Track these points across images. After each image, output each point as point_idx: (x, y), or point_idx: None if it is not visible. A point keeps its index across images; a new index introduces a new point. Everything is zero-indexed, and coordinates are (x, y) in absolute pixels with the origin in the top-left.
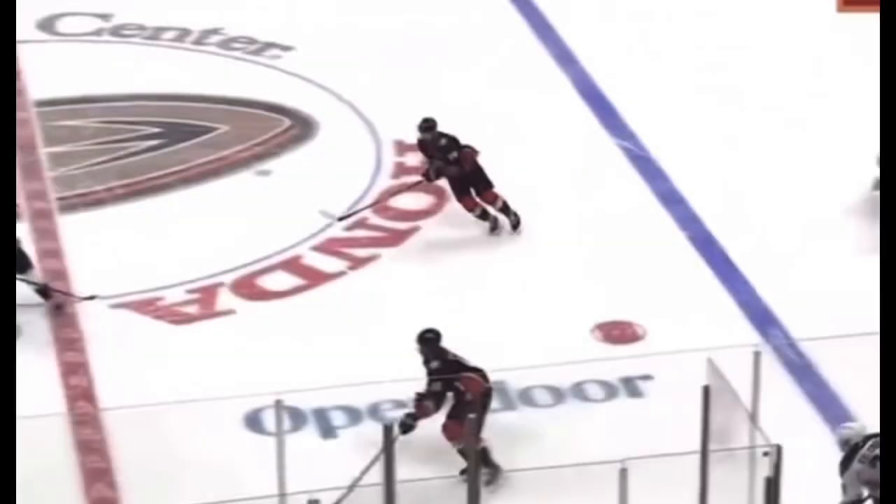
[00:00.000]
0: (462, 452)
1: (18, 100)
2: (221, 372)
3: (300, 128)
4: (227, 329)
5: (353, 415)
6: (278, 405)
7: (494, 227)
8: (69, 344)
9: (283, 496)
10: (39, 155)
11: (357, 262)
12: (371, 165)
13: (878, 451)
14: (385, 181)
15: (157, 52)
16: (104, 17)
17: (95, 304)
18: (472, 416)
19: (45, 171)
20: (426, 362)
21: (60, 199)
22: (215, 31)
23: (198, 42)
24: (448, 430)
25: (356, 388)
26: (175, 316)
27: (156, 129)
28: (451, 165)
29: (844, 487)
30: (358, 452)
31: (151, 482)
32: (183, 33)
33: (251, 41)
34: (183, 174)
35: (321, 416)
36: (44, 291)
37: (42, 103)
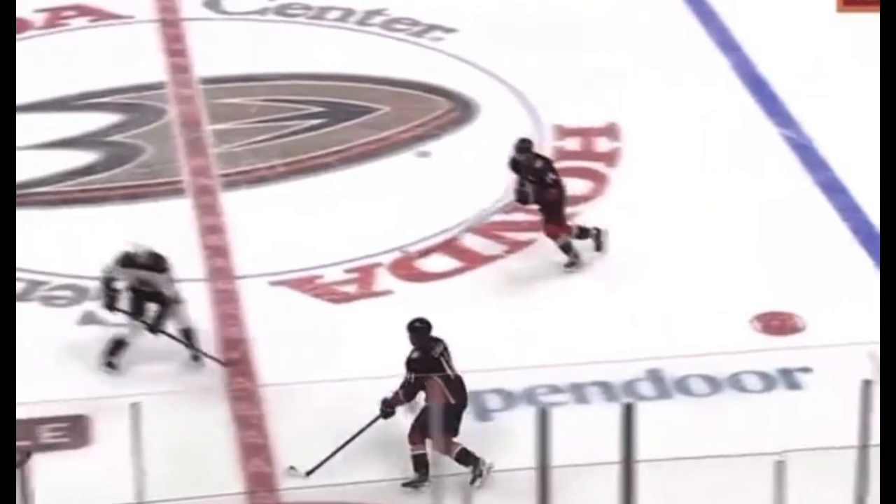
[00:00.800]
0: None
1: (184, 76)
2: (378, 351)
3: (461, 110)
4: (384, 309)
5: (509, 399)
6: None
7: (573, 263)
8: (229, 320)
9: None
10: (204, 132)
11: (514, 246)
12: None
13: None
14: None
15: (321, 31)
16: None
17: (255, 281)
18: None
19: (208, 148)
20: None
21: (223, 175)
22: (379, 12)
23: (361, 22)
24: (410, 434)
25: (512, 372)
26: (333, 295)
27: (318, 109)
28: (549, 188)
29: None
30: (512, 436)
31: (307, 458)
32: (347, 13)
33: (414, 23)
34: (344, 154)
35: (476, 399)
36: (187, 336)
37: (207, 80)
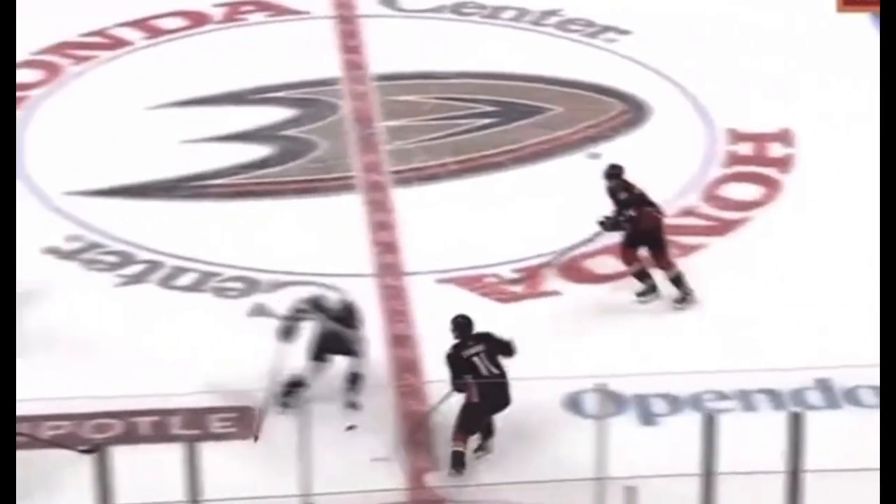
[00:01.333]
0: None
1: (358, 73)
2: (543, 352)
3: (633, 112)
4: (550, 309)
5: (675, 403)
6: (600, 389)
7: (643, 294)
8: (397, 316)
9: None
10: (377, 128)
11: (684, 250)
12: (702, 153)
13: None
14: (716, 170)
15: (495, 30)
16: None
17: (423, 278)
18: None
19: (381, 145)
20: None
21: (395, 172)
22: (554, 13)
23: (536, 22)
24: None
25: (679, 377)
26: (500, 294)
27: (491, 108)
28: (625, 223)
29: None
30: (678, 441)
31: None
32: (522, 13)
33: (588, 24)
34: (516, 153)
35: (642, 403)
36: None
37: (381, 77)
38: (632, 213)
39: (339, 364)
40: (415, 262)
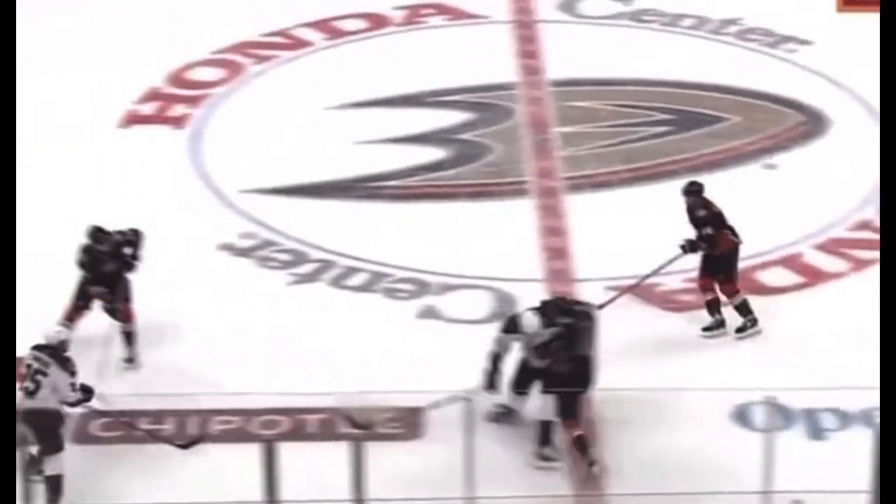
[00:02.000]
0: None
1: (535, 78)
2: (711, 364)
3: (811, 124)
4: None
5: (845, 418)
6: (769, 402)
7: (710, 328)
8: None
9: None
10: (551, 134)
11: (859, 264)
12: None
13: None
14: None
15: (674, 38)
16: (625, 1)
17: (593, 284)
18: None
19: (555, 150)
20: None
21: (567, 178)
22: (734, 22)
23: (715, 31)
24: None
25: (850, 392)
26: (671, 303)
27: (667, 116)
28: (701, 241)
29: None
30: (846, 457)
31: (632, 467)
32: (701, 21)
33: (768, 33)
34: (690, 162)
35: (811, 417)
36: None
37: (558, 83)
38: (709, 231)
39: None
40: (585, 268)
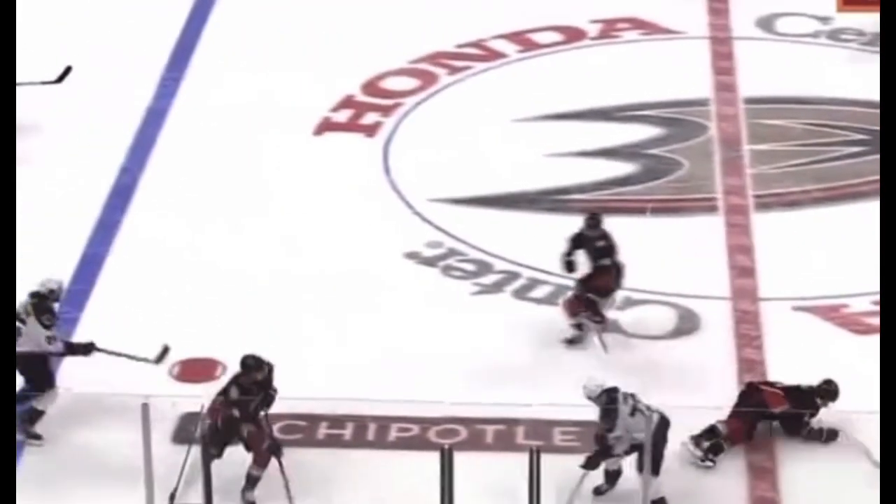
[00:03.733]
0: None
1: (729, 95)
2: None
3: None
4: None
5: None
6: None
7: (570, 340)
8: (748, 340)
9: None
10: (743, 151)
11: None
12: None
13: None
14: None
15: (872, 57)
16: (824, 19)
17: (779, 304)
18: None
19: (746, 168)
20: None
21: (757, 196)
22: None
23: None
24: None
25: None
26: (857, 325)
27: (861, 136)
28: (599, 271)
29: (619, 439)
30: None
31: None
32: None
33: None
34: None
35: None
36: None
37: (751, 100)
38: (608, 262)
39: None
40: (771, 287)
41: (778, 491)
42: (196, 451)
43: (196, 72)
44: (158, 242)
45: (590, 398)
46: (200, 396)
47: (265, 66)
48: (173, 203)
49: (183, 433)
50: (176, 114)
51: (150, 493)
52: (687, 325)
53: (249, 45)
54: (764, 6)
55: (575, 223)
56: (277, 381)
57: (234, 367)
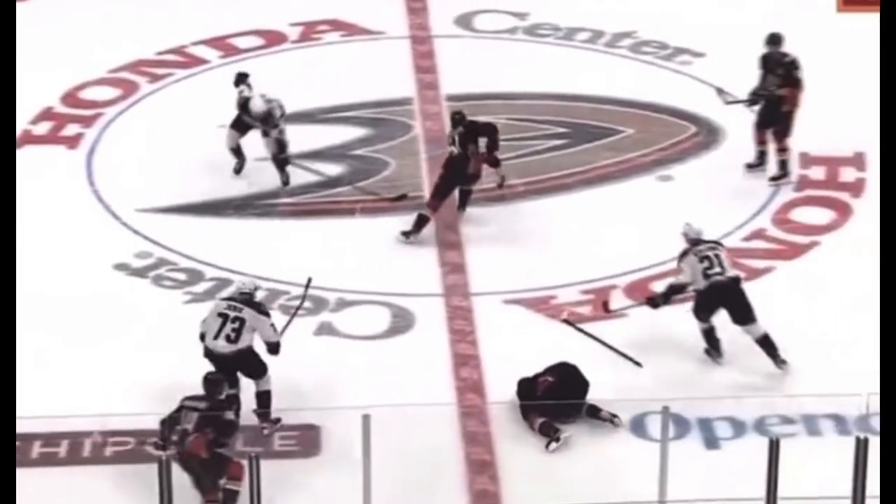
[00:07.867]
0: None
1: (431, 93)
2: (608, 374)
3: (706, 135)
4: (617, 332)
5: (738, 427)
6: (665, 412)
7: (407, 233)
8: (462, 336)
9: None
10: (447, 148)
11: (752, 273)
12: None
13: (709, 252)
14: (787, 195)
15: (569, 52)
16: (520, 15)
17: (489, 298)
18: None
19: None
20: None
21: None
22: (628, 35)
23: (610, 45)
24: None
25: (744, 401)
26: (568, 315)
27: (562, 129)
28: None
29: (681, 270)
30: (740, 465)
31: (531, 479)
32: (596, 35)
33: (663, 46)
34: (584, 175)
35: (706, 426)
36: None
37: (453, 98)
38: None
39: None
40: (481, 282)
41: (498, 484)
42: None
43: None
44: None
45: (685, 235)
46: None
47: None
48: None
49: None
50: None
51: None
52: (401, 323)
53: None
54: (461, 4)
55: (283, 228)
56: None
57: None
